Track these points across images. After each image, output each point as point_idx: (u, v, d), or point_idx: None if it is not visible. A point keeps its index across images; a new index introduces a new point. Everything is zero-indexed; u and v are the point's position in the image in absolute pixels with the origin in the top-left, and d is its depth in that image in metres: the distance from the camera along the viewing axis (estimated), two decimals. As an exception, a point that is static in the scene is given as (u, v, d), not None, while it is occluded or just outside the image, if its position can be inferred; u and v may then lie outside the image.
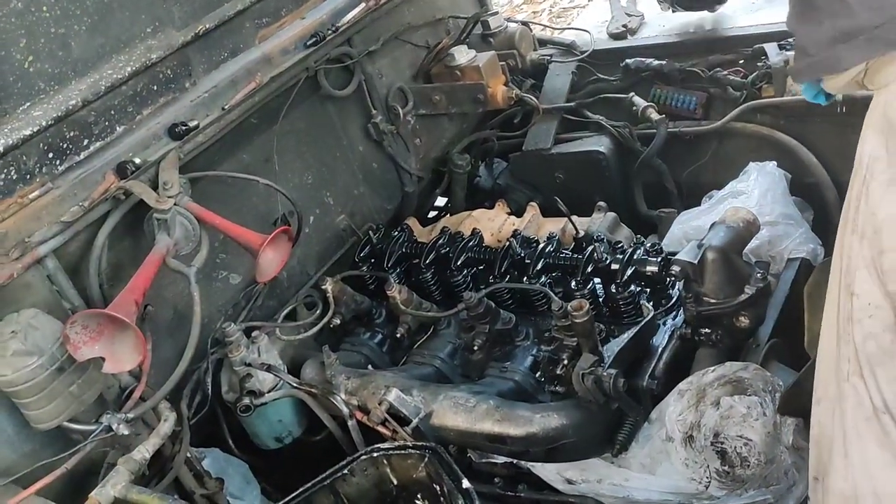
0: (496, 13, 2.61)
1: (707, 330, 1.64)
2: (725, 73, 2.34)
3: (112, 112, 1.70)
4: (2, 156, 1.49)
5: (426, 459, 1.33)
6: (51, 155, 1.59)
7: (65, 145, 1.62)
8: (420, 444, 1.41)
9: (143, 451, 1.52)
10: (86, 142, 1.65)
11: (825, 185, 2.17)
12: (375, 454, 1.41)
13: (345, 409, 1.72)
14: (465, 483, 1.28)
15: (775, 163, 2.11)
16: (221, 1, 1.93)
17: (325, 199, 2.22)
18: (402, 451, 1.39)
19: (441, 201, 2.73)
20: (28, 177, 1.55)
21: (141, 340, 1.47)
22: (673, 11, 2.42)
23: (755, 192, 2.00)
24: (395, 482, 1.44)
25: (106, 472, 1.51)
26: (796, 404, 1.43)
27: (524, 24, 2.66)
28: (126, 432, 1.53)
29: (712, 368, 1.54)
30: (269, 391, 1.78)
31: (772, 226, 1.89)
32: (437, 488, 1.36)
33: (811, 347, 1.57)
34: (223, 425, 1.87)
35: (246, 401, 1.75)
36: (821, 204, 2.16)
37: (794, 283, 1.79)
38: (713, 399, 1.50)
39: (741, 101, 2.30)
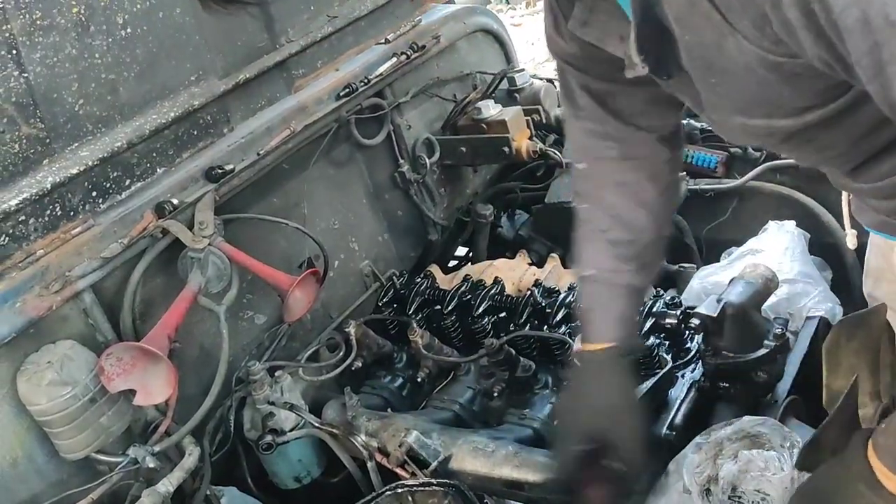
0: (522, 70, 2.69)
1: (725, 384, 1.66)
2: (745, 133, 2.39)
3: (154, 154, 1.78)
4: (49, 193, 1.56)
5: (449, 498, 1.35)
6: (94, 193, 1.67)
7: (108, 184, 1.69)
8: (443, 481, 1.43)
9: (168, 485, 1.55)
10: (128, 182, 1.73)
11: (844, 246, 2.19)
12: (400, 490, 1.43)
13: (364, 451, 1.73)
14: (488, 521, 1.29)
15: (794, 222, 2.15)
16: (261, 52, 2.03)
17: (350, 245, 2.28)
18: (426, 489, 1.41)
19: (462, 251, 2.78)
20: (72, 213, 1.62)
21: (172, 374, 1.51)
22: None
23: (774, 250, 2.02)
24: (418, 519, 1.45)
25: (130, 504, 1.54)
26: (814, 460, 1.43)
27: (549, 81, 2.74)
28: (152, 465, 1.56)
29: (730, 422, 1.54)
30: (290, 430, 1.81)
31: (790, 283, 1.91)
32: (459, 527, 1.37)
33: (829, 405, 1.58)
34: (243, 464, 1.90)
35: (268, 438, 1.78)
36: (839, 264, 2.18)
37: (813, 341, 1.80)
38: (731, 452, 1.50)
39: (761, 160, 2.35)
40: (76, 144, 1.63)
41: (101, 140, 1.67)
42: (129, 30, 1.70)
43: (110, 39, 1.67)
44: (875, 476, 1.04)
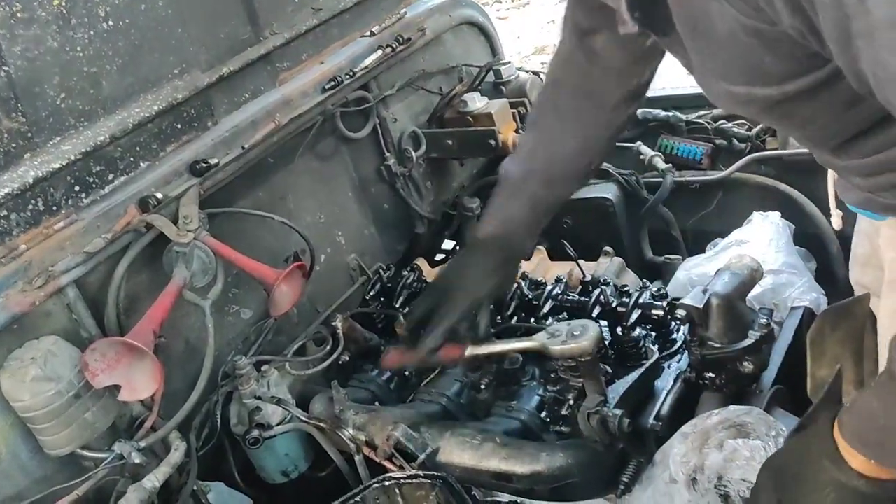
0: (508, 63, 2.69)
1: (711, 374, 1.66)
2: (730, 125, 2.41)
3: (137, 148, 1.76)
4: (31, 187, 1.55)
5: (437, 489, 1.35)
6: (77, 188, 1.65)
7: (91, 179, 1.68)
8: (431, 473, 1.43)
9: (154, 480, 1.54)
10: (111, 176, 1.71)
11: (828, 236, 2.21)
12: (387, 483, 1.43)
13: (352, 444, 1.73)
14: (475, 513, 1.29)
15: (779, 213, 2.16)
16: (245, 45, 2.01)
17: (336, 238, 2.27)
18: (414, 481, 1.41)
19: (449, 244, 2.78)
20: (54, 208, 1.61)
21: (157, 369, 1.50)
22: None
23: (759, 241, 2.04)
24: (406, 511, 1.45)
25: (116, 500, 1.53)
26: (799, 449, 1.45)
27: (535, 73, 2.74)
28: (138, 461, 1.55)
29: (716, 412, 1.55)
30: (277, 424, 1.80)
31: (775, 274, 1.92)
32: (447, 519, 1.37)
33: (814, 394, 1.59)
34: (230, 458, 1.89)
35: (255, 433, 1.77)
36: (824, 254, 2.20)
37: (798, 331, 1.82)
38: (717, 442, 1.51)
39: (746, 152, 2.37)
40: (58, 138, 1.61)
41: (84, 134, 1.65)
42: (110, 22, 1.68)
43: (92, 32, 1.66)
44: (839, 452, 1.07)
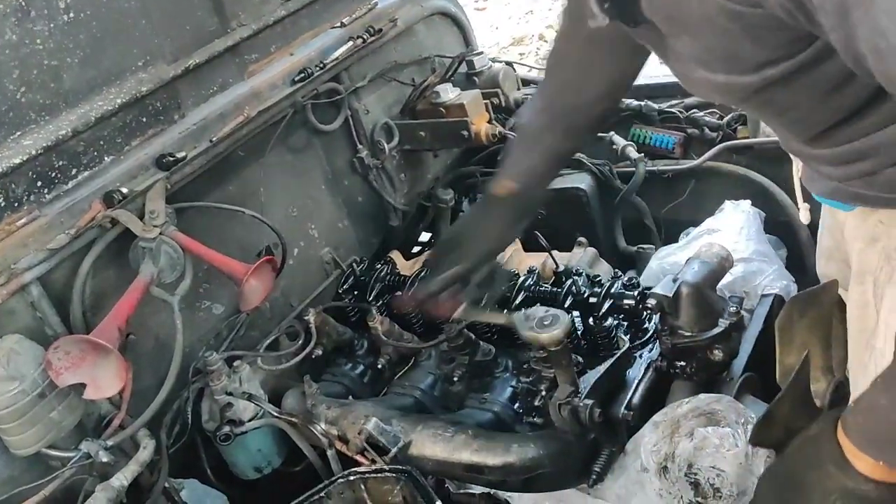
0: (481, 53, 2.68)
1: (682, 363, 1.67)
2: (702, 114, 2.41)
3: (101, 142, 1.74)
4: (-9, 183, 1.52)
5: (402, 483, 1.35)
6: (39, 183, 1.62)
7: (53, 174, 1.65)
8: (396, 467, 1.43)
9: (122, 479, 1.52)
10: (74, 171, 1.69)
11: (798, 224, 2.22)
12: (352, 478, 1.42)
13: (324, 439, 1.72)
14: (439, 504, 1.29)
15: (750, 201, 2.17)
16: (211, 36, 1.98)
17: (309, 232, 2.25)
18: (379, 475, 1.40)
19: (425, 237, 2.77)
20: (16, 204, 1.58)
21: (123, 367, 1.48)
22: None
23: (730, 230, 2.05)
24: (372, 506, 1.45)
25: (84, 500, 1.51)
26: (767, 435, 1.45)
27: (508, 64, 2.73)
28: (105, 459, 1.53)
29: (686, 400, 1.56)
30: (249, 420, 1.79)
31: (746, 262, 1.93)
32: (413, 513, 1.37)
33: (783, 380, 1.60)
34: (202, 455, 1.87)
35: (226, 429, 1.76)
36: (794, 242, 2.21)
37: (768, 319, 1.83)
38: (687, 430, 1.52)
39: (717, 141, 2.37)
40: (18, 133, 1.58)
41: (45, 128, 1.62)
42: (71, 14, 1.65)
43: (52, 24, 1.63)
44: (844, 456, 1.03)
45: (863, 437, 1.01)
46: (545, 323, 1.49)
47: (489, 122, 2.41)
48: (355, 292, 2.18)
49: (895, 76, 0.80)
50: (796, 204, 1.62)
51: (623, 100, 2.50)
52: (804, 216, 1.57)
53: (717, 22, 0.96)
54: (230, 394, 1.79)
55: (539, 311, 1.53)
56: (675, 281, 1.66)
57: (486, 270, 1.59)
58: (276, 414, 1.80)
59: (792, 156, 1.45)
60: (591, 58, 1.45)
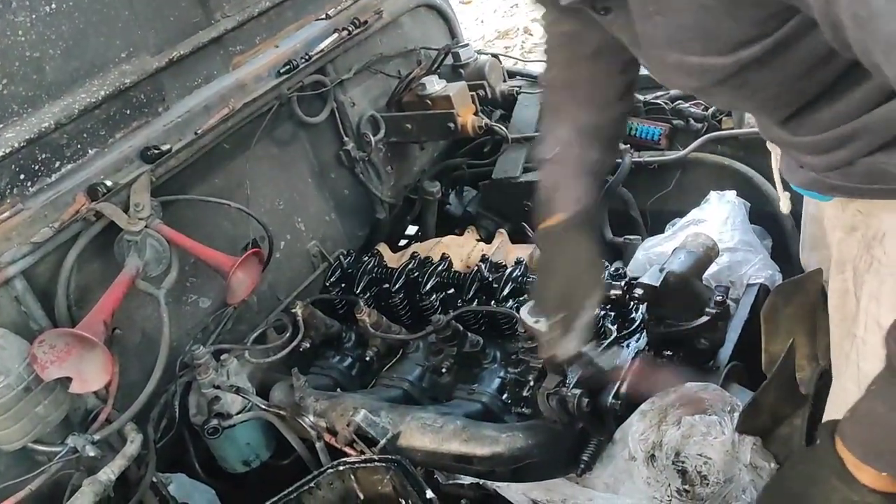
0: (467, 45, 2.67)
1: (669, 352, 1.68)
2: (687, 105, 2.42)
3: (84, 135, 1.72)
4: (-27, 176, 1.50)
5: (391, 473, 1.35)
6: (22, 176, 1.61)
7: (36, 167, 1.63)
8: (385, 457, 1.43)
9: (109, 473, 1.51)
10: (57, 164, 1.67)
11: (783, 214, 2.24)
12: (342, 468, 1.42)
13: (313, 431, 1.72)
14: (430, 494, 1.29)
15: (735, 192, 2.18)
16: (196, 28, 1.97)
17: (296, 225, 2.25)
18: (368, 465, 1.40)
19: (412, 230, 2.77)
20: (-1, 197, 1.56)
21: (108, 360, 1.47)
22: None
23: (715, 220, 2.05)
24: (362, 496, 1.45)
25: (71, 494, 1.50)
26: (754, 423, 1.47)
27: (494, 56, 2.72)
28: (92, 454, 1.53)
29: (673, 389, 1.57)
30: (237, 413, 1.78)
31: (731, 252, 1.94)
32: (403, 502, 1.37)
33: (768, 369, 1.61)
34: (190, 449, 1.87)
35: (214, 423, 1.75)
36: (779, 232, 2.22)
37: (754, 308, 1.84)
38: (675, 419, 1.52)
39: (702, 132, 2.38)
40: (1, 126, 1.57)
41: (28, 121, 1.61)
42: (53, 5, 1.64)
43: (34, 16, 1.61)
44: (847, 468, 1.00)
45: (864, 449, 0.99)
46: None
47: (475, 113, 2.41)
48: (343, 285, 2.18)
49: (871, 47, 0.78)
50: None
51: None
52: (785, 205, 1.57)
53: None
54: (218, 387, 1.78)
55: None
56: (661, 271, 1.66)
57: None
58: (264, 407, 1.80)
59: (771, 146, 1.46)
60: (601, 70, 1.42)
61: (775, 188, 1.54)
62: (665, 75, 1.19)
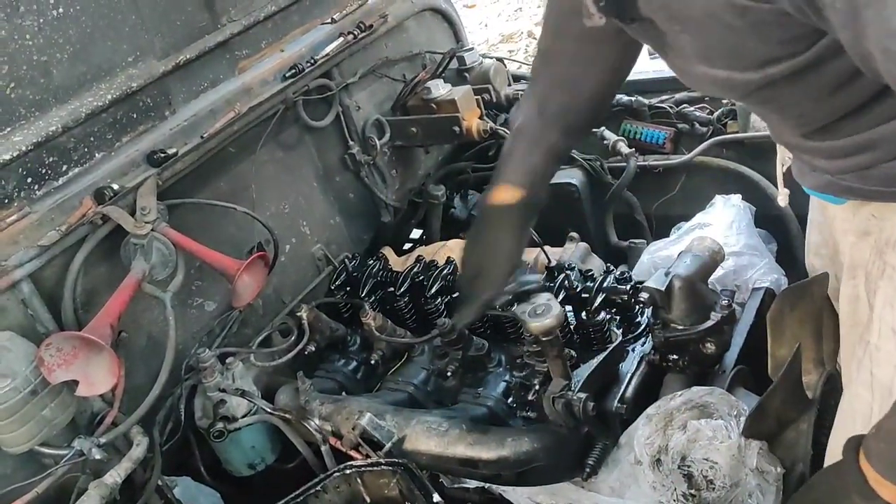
0: (472, 49, 2.68)
1: (674, 356, 1.68)
2: (692, 109, 2.42)
3: (91, 139, 1.73)
4: (-19, 180, 1.51)
5: (398, 476, 1.35)
6: (29, 180, 1.61)
7: (43, 170, 1.64)
8: (392, 461, 1.43)
9: (115, 476, 1.51)
10: (64, 167, 1.68)
11: (788, 218, 2.24)
12: (348, 471, 1.42)
13: (318, 435, 1.72)
14: (436, 498, 1.29)
15: (740, 196, 2.18)
16: (202, 32, 1.98)
17: (301, 228, 2.25)
18: (375, 469, 1.40)
19: (417, 233, 2.77)
20: (6, 201, 1.57)
21: (115, 363, 1.48)
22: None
23: (721, 224, 2.06)
24: (368, 499, 1.45)
25: (77, 497, 1.50)
26: (760, 427, 1.46)
27: (499, 60, 2.73)
28: (98, 457, 1.53)
29: (679, 393, 1.57)
30: (242, 417, 1.78)
31: (737, 256, 1.94)
32: (409, 506, 1.37)
33: (774, 373, 1.61)
34: (195, 453, 1.87)
35: (220, 426, 1.75)
36: (784, 236, 2.22)
37: (759, 312, 1.84)
38: (680, 423, 1.52)
39: (707, 136, 2.39)
40: (8, 129, 1.57)
41: (35, 124, 1.61)
42: (60, 9, 1.64)
43: (41, 20, 1.61)
44: (868, 484, 1.01)
45: (887, 465, 0.99)
46: (538, 312, 1.49)
47: (480, 117, 2.41)
48: (348, 288, 2.18)
49: None
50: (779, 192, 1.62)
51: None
52: (782, 200, 1.57)
53: (722, 18, 0.95)
54: (223, 390, 1.78)
55: (524, 306, 1.52)
56: (667, 275, 1.66)
57: (514, 288, 1.54)
58: (269, 410, 1.80)
59: (780, 148, 1.46)
60: (584, 55, 1.42)
61: (777, 186, 1.54)
62: (694, 84, 1.20)
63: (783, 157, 1.46)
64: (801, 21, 0.89)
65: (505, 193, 1.50)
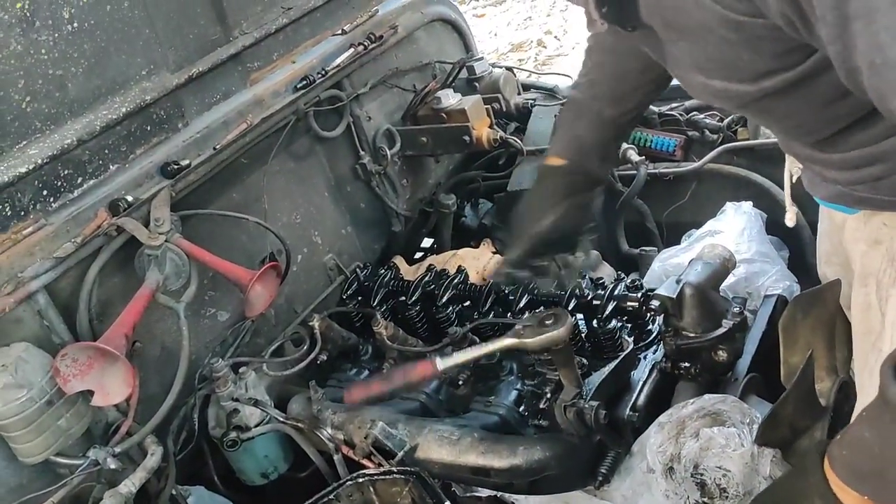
0: (481, 59, 2.69)
1: (686, 364, 1.67)
2: (702, 116, 2.43)
3: (106, 151, 1.75)
4: (-2, 192, 1.53)
5: (410, 485, 1.35)
6: (45, 192, 1.63)
7: (59, 183, 1.66)
8: (404, 469, 1.43)
9: (130, 485, 1.53)
10: (79, 179, 1.70)
11: (800, 224, 2.23)
12: (361, 480, 1.43)
13: (331, 444, 1.73)
14: (448, 506, 1.29)
15: (751, 203, 2.18)
16: (214, 45, 2.00)
17: (313, 238, 2.26)
18: (387, 477, 1.41)
19: (428, 242, 2.78)
20: (22, 213, 1.59)
21: (130, 373, 1.49)
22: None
23: (732, 231, 2.05)
24: (380, 508, 1.45)
25: (92, 507, 1.52)
26: (773, 435, 1.46)
27: (508, 69, 2.74)
28: (113, 466, 1.54)
29: (691, 401, 1.56)
30: (255, 426, 1.79)
31: (748, 263, 1.94)
32: (422, 514, 1.38)
33: (787, 380, 1.61)
34: (209, 462, 1.88)
35: (233, 435, 1.76)
36: (796, 242, 2.21)
37: (771, 319, 1.83)
38: (693, 431, 1.52)
39: (718, 143, 2.38)
40: (24, 143, 1.59)
41: (51, 137, 1.63)
42: (75, 24, 1.66)
43: (56, 34, 1.64)
44: (830, 489, 1.01)
45: (848, 471, 1.00)
46: (547, 322, 1.49)
47: (490, 126, 2.42)
48: (359, 298, 2.19)
49: (886, 92, 0.80)
50: (799, 205, 1.62)
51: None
52: (790, 219, 1.58)
53: (716, 31, 0.96)
54: (236, 400, 1.80)
55: (531, 317, 1.53)
56: (678, 282, 1.66)
57: (548, 259, 1.61)
58: (282, 419, 1.81)
59: (789, 160, 1.45)
60: (628, 55, 1.46)
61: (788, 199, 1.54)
62: (694, 92, 1.20)
63: (791, 170, 1.46)
64: (793, 36, 0.90)
65: (552, 160, 1.57)
